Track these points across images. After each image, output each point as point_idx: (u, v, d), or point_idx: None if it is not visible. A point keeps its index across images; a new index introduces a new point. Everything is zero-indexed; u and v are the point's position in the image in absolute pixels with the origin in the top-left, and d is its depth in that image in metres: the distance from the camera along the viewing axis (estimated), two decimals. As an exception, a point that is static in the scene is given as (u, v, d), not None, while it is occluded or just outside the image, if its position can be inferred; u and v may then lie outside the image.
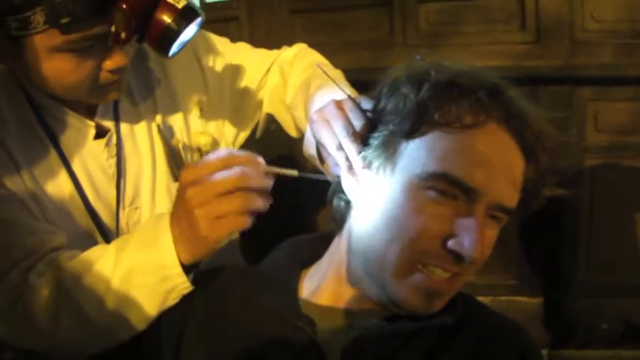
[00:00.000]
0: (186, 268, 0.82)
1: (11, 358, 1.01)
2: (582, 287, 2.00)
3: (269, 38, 2.02)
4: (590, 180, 1.94)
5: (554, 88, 1.89)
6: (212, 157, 0.77)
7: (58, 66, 0.88)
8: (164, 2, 0.85)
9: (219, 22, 2.04)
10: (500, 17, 1.93)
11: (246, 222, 0.76)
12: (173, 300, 0.85)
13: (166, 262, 0.81)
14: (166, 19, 0.85)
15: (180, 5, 0.85)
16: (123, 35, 0.82)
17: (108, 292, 0.85)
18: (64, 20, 0.81)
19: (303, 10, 2.08)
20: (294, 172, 0.80)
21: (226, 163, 0.76)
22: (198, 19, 0.88)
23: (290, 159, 1.99)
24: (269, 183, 0.77)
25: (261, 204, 0.76)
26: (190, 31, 0.88)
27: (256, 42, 1.31)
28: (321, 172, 0.86)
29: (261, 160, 0.78)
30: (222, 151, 0.78)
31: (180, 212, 0.79)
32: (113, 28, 0.82)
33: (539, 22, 1.89)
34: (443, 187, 0.71)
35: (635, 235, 1.93)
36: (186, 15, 0.86)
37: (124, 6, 0.80)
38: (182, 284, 0.83)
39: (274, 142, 1.62)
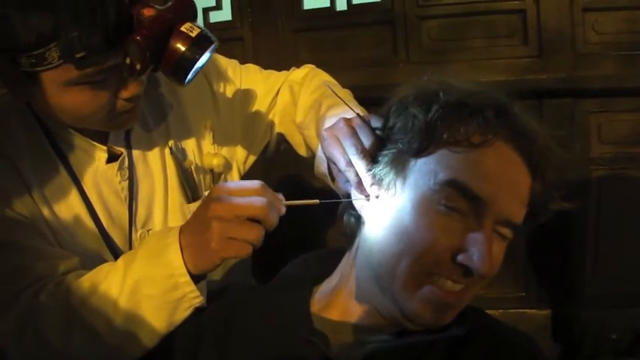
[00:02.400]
0: (194, 278, 0.83)
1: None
2: (590, 298, 2.01)
3: (273, 58, 2.05)
4: (596, 191, 1.95)
5: (557, 101, 1.90)
6: (245, 183, 0.80)
7: (73, 99, 0.89)
8: (178, 31, 0.85)
9: (223, 42, 2.06)
10: (503, 32, 1.96)
11: (250, 252, 0.78)
12: (183, 311, 0.85)
13: (174, 271, 0.82)
14: (181, 48, 0.85)
15: (194, 34, 0.85)
16: (138, 66, 0.83)
17: (117, 308, 0.86)
18: (79, 55, 0.82)
19: (306, 29, 2.11)
20: (315, 202, 0.82)
21: (256, 193, 0.78)
22: (212, 46, 0.89)
23: (297, 178, 2.02)
24: (275, 225, 0.80)
25: (261, 243, 0.79)
26: (204, 58, 0.89)
27: (260, 61, 1.32)
28: (337, 195, 0.88)
29: (281, 197, 0.81)
30: (256, 182, 0.80)
31: (198, 221, 0.81)
32: (128, 60, 0.83)
33: (541, 36, 1.91)
34: (452, 198, 0.72)
35: (642, 245, 1.93)
36: (200, 43, 0.86)
37: (138, 37, 0.81)
38: (191, 293, 0.83)
39: (280, 163, 1.64)
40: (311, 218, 1.18)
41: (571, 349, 1.97)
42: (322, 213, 0.87)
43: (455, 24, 1.98)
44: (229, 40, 2.09)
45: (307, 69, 1.27)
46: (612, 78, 1.87)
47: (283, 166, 2.00)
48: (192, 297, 0.84)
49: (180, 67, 0.86)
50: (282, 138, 1.26)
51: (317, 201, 0.81)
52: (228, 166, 1.18)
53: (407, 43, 2.02)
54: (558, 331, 2.00)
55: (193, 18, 0.87)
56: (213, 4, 2.12)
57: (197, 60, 0.86)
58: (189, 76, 0.88)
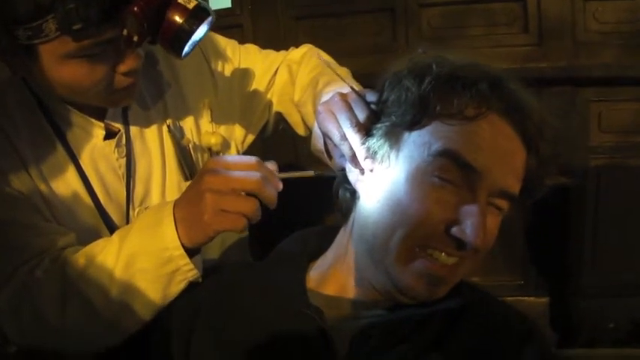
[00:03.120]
0: (188, 252, 0.83)
1: (16, 351, 1.02)
2: (588, 287, 2.01)
3: (272, 45, 2.01)
4: (595, 180, 1.95)
5: (557, 89, 1.90)
6: (241, 157, 0.81)
7: (71, 72, 0.89)
8: (175, 3, 0.85)
9: (223, 30, 2.06)
10: (503, 20, 1.95)
11: (244, 226, 0.79)
12: (177, 284, 0.86)
13: (168, 245, 0.82)
14: (178, 19, 0.85)
15: (191, 5, 0.85)
16: (135, 38, 0.83)
17: (112, 281, 0.86)
18: (76, 27, 0.82)
19: (305, 16, 2.10)
20: (310, 173, 0.83)
21: (251, 168, 0.79)
22: (209, 19, 0.89)
23: (295, 166, 2.01)
24: (274, 201, 0.81)
25: (258, 217, 0.80)
26: (202, 30, 0.89)
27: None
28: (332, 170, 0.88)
29: (274, 165, 0.82)
30: (252, 157, 0.81)
31: (192, 193, 0.81)
32: (125, 32, 0.83)
33: (541, 24, 1.91)
34: (446, 169, 0.72)
35: (641, 234, 1.94)
36: (197, 15, 0.86)
37: (136, 9, 0.81)
38: (185, 266, 0.84)
39: (278, 149, 1.64)
40: (308, 195, 1.18)
41: (569, 338, 1.98)
42: (320, 191, 0.87)
43: (455, 12, 1.98)
44: (229, 27, 2.08)
45: (305, 48, 1.27)
46: (613, 67, 1.87)
47: (281, 152, 2.00)
48: (186, 270, 0.85)
49: (178, 38, 0.87)
50: (280, 117, 1.26)
51: (312, 172, 0.82)
52: (226, 145, 1.18)
53: (407, 30, 2.01)
54: (556, 319, 2.00)
55: (191, -10, 0.87)
56: (214, -10, 2.12)
57: (194, 31, 0.86)
58: (187, 48, 0.88)
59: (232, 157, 0.82)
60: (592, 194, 1.96)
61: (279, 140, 1.33)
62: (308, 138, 1.21)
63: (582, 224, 1.98)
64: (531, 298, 2.02)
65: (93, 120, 1.04)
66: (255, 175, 0.78)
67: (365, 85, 1.06)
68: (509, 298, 1.92)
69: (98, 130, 1.05)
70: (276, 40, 2.07)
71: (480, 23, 1.96)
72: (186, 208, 0.82)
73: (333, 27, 2.07)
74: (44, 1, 0.80)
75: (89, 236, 1.00)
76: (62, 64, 0.88)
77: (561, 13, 1.89)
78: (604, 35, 1.90)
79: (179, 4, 0.85)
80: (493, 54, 1.92)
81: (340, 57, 1.25)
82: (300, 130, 1.22)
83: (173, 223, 0.82)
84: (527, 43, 1.93)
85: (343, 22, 2.07)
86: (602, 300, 1.99)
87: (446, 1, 1.98)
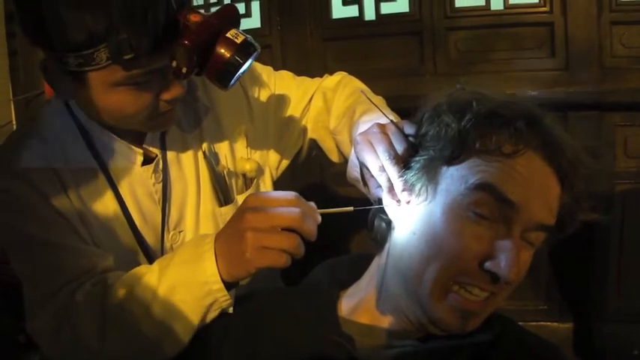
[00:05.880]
0: (227, 285, 0.84)
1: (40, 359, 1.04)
2: (612, 312, 1.99)
3: (300, 66, 2.07)
4: (620, 205, 1.95)
5: (583, 113, 1.90)
6: (280, 192, 0.81)
7: (117, 99, 0.91)
8: (224, 37, 0.86)
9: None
10: (530, 44, 1.96)
11: (286, 262, 0.78)
12: (215, 312, 0.86)
13: (209, 279, 0.83)
14: (226, 53, 0.86)
15: (239, 40, 0.87)
16: (184, 70, 0.85)
17: (153, 306, 0.87)
18: (127, 57, 0.84)
19: (334, 38, 2.12)
20: (349, 209, 0.82)
21: (291, 204, 0.79)
22: (256, 53, 0.90)
23: (322, 186, 2.02)
24: (315, 235, 0.80)
25: (301, 252, 0.79)
26: (248, 64, 0.90)
27: (288, 69, 1.32)
28: (366, 202, 0.88)
29: (314, 206, 0.81)
30: (290, 192, 0.81)
31: (232, 231, 0.81)
32: (174, 63, 0.85)
33: (568, 48, 1.91)
34: (482, 203, 0.73)
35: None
36: (245, 49, 0.88)
37: (186, 42, 0.83)
38: (222, 298, 0.84)
39: (305, 171, 1.64)
40: (340, 225, 1.20)
41: (592, 363, 1.96)
42: (351, 219, 0.88)
43: (482, 35, 1.99)
44: (258, 48, 2.11)
45: (340, 76, 1.28)
46: (639, 92, 1.87)
47: (307, 173, 2.02)
48: (223, 301, 0.85)
49: (226, 72, 0.88)
50: (314, 144, 1.27)
51: (351, 208, 0.82)
52: (260, 171, 1.20)
53: (434, 54, 2.03)
54: (580, 345, 1.99)
55: (237, 24, 0.89)
56: (243, 11, 2.15)
57: (242, 65, 0.88)
58: (233, 81, 0.89)
59: (272, 193, 0.82)
60: (617, 219, 1.95)
61: (306, 162, 1.34)
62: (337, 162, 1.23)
63: (607, 249, 1.97)
64: (555, 324, 2.01)
65: (132, 146, 1.06)
66: (294, 211, 0.77)
67: (391, 108, 1.07)
68: (532, 323, 1.95)
69: (137, 156, 1.07)
70: (304, 61, 2.10)
71: (507, 47, 1.97)
72: (227, 245, 0.82)
73: (361, 49, 2.09)
74: (98, 30, 0.82)
75: (126, 259, 1.02)
76: (109, 92, 0.90)
77: (588, 38, 1.90)
78: (631, 60, 1.90)
79: (228, 38, 0.86)
80: (520, 78, 1.93)
81: (367, 79, 1.27)
82: (334, 157, 1.23)
83: (214, 257, 0.82)
84: (554, 67, 1.94)
85: (371, 44, 2.08)
86: (626, 326, 1.97)
87: (473, 24, 1.99)
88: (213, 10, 0.91)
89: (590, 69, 1.90)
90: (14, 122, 2.21)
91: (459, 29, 2.01)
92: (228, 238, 0.82)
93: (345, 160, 1.11)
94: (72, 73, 0.88)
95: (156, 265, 0.91)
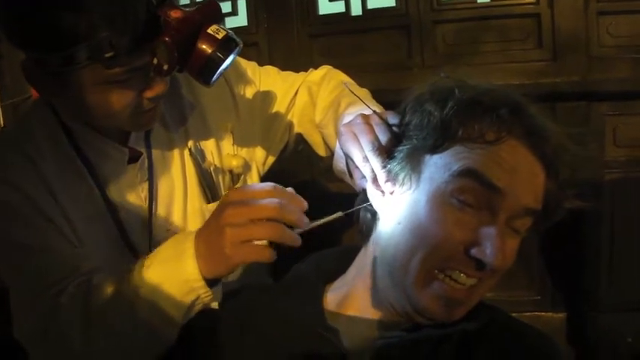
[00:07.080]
0: (209, 282, 0.84)
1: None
2: (605, 301, 1.99)
3: (288, 63, 2.02)
4: (610, 194, 1.94)
5: (572, 104, 1.90)
6: (258, 185, 0.81)
7: (100, 97, 0.91)
8: (204, 33, 0.87)
9: (238, 48, 2.09)
10: (517, 36, 1.95)
11: (270, 254, 0.78)
12: (198, 307, 0.86)
13: (189, 277, 0.82)
14: (207, 49, 0.87)
15: (220, 36, 0.87)
16: (165, 67, 0.84)
17: (136, 306, 0.87)
18: (108, 55, 0.83)
19: (320, 34, 2.11)
20: (338, 214, 0.82)
21: (269, 194, 0.78)
22: (237, 48, 0.90)
23: (311, 183, 2.02)
24: (304, 220, 0.79)
25: (290, 238, 0.78)
26: (230, 59, 0.90)
27: (275, 66, 1.33)
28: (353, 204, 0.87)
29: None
30: (268, 184, 0.80)
31: (213, 227, 0.81)
32: (156, 61, 0.85)
33: (555, 39, 1.91)
34: (466, 189, 0.73)
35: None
36: (226, 45, 0.88)
37: (167, 39, 0.83)
38: (204, 294, 0.84)
39: (294, 168, 1.63)
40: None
41: (586, 353, 1.96)
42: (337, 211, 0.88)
43: (469, 28, 1.98)
44: (245, 46, 2.08)
45: (325, 70, 1.28)
46: (627, 81, 1.87)
47: (298, 170, 2.02)
48: (205, 297, 0.85)
49: (207, 68, 0.88)
50: (300, 138, 1.27)
51: (341, 213, 0.81)
52: (247, 167, 1.20)
53: (422, 47, 2.02)
54: (573, 334, 1.99)
55: (219, 20, 0.89)
56: (229, 9, 2.14)
57: (223, 61, 0.88)
58: (215, 76, 0.89)
59: (251, 185, 0.82)
60: (607, 208, 1.95)
61: (295, 159, 1.34)
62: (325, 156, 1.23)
63: (598, 239, 1.97)
64: (548, 314, 2.01)
65: (117, 144, 1.06)
66: (273, 201, 0.77)
67: (380, 102, 1.07)
68: (525, 314, 1.96)
69: (122, 155, 1.06)
70: (291, 58, 2.08)
71: (494, 39, 1.96)
72: (207, 242, 0.82)
73: (348, 45, 2.08)
74: (77, 29, 0.81)
75: (113, 258, 1.02)
76: (91, 91, 0.90)
77: (575, 28, 1.89)
78: (618, 49, 1.90)
79: (209, 34, 0.86)
80: (507, 69, 1.93)
81: (355, 74, 1.27)
82: (321, 151, 1.23)
83: (194, 256, 0.82)
84: (541, 58, 1.93)
85: (358, 39, 2.07)
86: (619, 314, 1.97)
87: (460, 17, 1.98)
88: (199, 7, 0.91)
89: (577, 59, 1.90)
90: (2, 126, 2.19)
91: (446, 22, 2.00)
92: (208, 235, 0.82)
93: (332, 154, 1.10)
94: (53, 74, 0.87)
95: (138, 264, 0.91)
